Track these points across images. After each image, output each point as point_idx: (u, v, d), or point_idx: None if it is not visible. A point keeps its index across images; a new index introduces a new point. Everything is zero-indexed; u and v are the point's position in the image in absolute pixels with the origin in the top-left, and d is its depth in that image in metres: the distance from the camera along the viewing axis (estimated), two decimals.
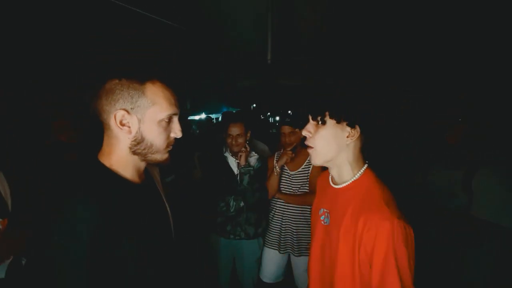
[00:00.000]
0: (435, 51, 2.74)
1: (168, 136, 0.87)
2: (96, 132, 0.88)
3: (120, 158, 0.84)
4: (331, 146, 0.95)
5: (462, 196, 1.47)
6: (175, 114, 0.87)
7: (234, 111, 7.16)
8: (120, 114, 0.79)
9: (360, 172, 0.97)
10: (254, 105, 7.11)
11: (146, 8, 1.97)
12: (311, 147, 0.98)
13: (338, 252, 0.93)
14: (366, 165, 1.00)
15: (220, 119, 6.85)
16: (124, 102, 0.79)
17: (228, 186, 2.06)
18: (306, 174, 2.04)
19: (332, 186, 1.04)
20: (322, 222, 1.05)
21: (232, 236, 2.05)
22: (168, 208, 1.03)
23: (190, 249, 2.72)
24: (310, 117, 0.99)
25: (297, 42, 2.71)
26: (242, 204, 2.04)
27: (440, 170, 1.64)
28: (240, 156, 2.02)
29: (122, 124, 0.80)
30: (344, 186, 0.98)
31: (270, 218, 2.14)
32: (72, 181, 0.79)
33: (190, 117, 7.94)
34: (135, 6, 1.91)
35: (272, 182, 2.02)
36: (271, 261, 2.14)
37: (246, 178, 2.04)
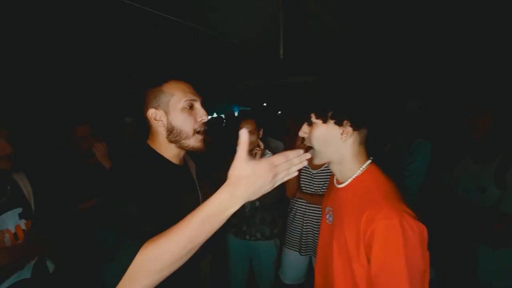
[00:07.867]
0: (452, 49, 2.62)
1: (195, 121, 1.01)
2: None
3: (161, 145, 1.03)
4: (327, 144, 0.96)
5: (493, 191, 1.38)
6: (194, 100, 1.02)
7: (247, 109, 7.09)
8: (151, 112, 1.00)
9: (361, 169, 0.97)
10: (265, 104, 7.04)
11: (157, 7, 1.96)
12: (311, 147, 1.00)
13: (336, 250, 0.94)
14: (369, 161, 0.99)
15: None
16: (152, 103, 1.00)
17: None
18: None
19: (335, 186, 1.05)
20: (327, 221, 1.07)
21: (247, 237, 2.01)
22: (200, 196, 1.19)
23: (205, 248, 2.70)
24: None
25: (308, 38, 2.66)
26: (257, 203, 2.00)
27: (469, 164, 1.55)
28: (255, 154, 1.97)
29: (156, 120, 1.00)
30: (345, 186, 0.98)
31: (291, 219, 2.06)
32: (124, 158, 0.97)
33: None
34: (148, 6, 1.91)
35: (291, 181, 1.92)
36: (292, 263, 2.06)
37: None
